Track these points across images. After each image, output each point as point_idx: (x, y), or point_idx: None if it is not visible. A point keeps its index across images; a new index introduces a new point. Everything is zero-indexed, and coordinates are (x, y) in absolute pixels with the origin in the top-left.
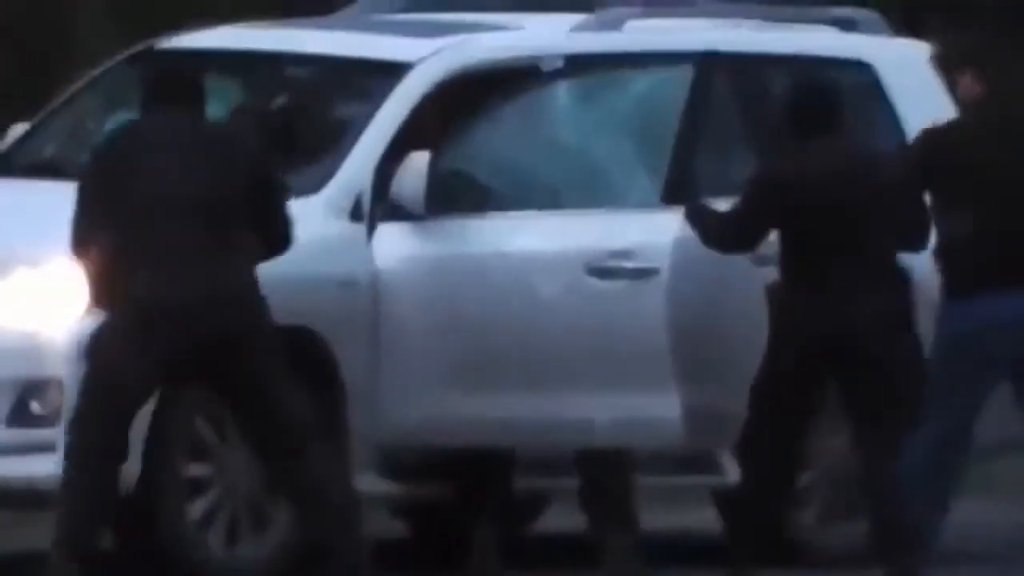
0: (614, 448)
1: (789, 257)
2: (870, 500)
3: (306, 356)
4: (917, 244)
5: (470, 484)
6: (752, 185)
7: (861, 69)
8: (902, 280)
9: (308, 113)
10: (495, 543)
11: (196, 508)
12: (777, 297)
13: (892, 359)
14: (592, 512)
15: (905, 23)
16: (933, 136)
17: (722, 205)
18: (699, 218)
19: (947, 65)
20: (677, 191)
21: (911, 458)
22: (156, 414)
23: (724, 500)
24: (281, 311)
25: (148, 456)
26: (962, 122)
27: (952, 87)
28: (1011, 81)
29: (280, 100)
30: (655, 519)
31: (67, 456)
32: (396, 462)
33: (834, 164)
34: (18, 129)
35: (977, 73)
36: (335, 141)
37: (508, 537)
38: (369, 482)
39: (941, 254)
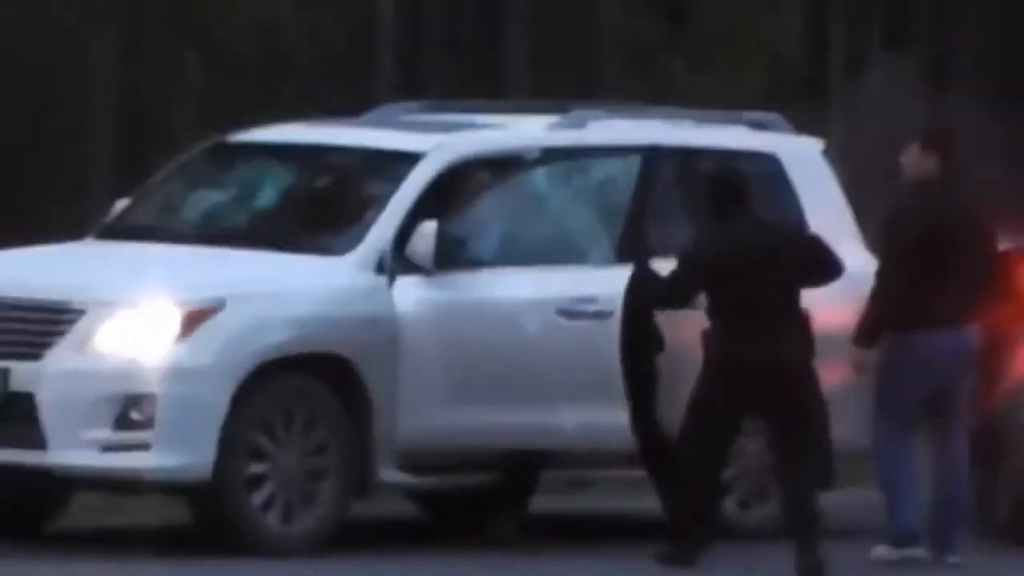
0: (575, 449)
1: (715, 310)
2: (783, 489)
3: (340, 378)
4: (833, 277)
5: (512, 476)
6: (683, 258)
7: (770, 160)
8: (806, 321)
9: (344, 191)
10: (519, 521)
11: None
12: (708, 339)
13: (803, 387)
14: (506, 501)
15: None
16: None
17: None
18: (646, 279)
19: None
20: (627, 252)
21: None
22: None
23: (667, 492)
24: (319, 343)
25: None
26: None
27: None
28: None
29: (323, 180)
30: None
31: None
32: (417, 460)
33: (745, 238)
34: (121, 204)
35: (940, 156)
36: (364, 212)
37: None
38: (390, 475)
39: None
